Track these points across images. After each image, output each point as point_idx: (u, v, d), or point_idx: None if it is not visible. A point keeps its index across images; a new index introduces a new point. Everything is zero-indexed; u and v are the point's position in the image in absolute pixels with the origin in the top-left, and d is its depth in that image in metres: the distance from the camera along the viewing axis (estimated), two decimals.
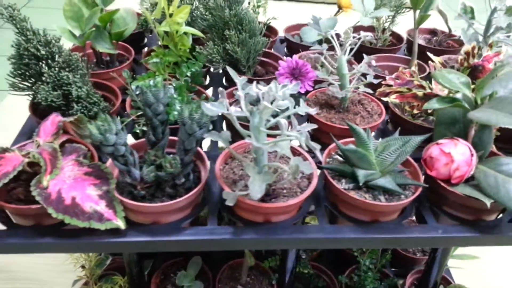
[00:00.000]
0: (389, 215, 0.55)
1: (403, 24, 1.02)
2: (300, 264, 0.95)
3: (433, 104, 0.57)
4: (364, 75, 0.70)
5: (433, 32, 1.02)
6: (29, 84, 0.64)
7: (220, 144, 0.59)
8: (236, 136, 0.55)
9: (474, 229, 0.55)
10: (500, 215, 0.57)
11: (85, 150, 0.57)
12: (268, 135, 0.52)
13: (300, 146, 0.49)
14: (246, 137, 0.52)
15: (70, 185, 0.52)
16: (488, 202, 0.52)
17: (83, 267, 0.88)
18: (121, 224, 0.51)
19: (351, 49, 0.66)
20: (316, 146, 0.47)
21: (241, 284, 0.95)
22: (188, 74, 0.66)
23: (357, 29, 0.95)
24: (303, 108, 0.48)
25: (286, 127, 0.46)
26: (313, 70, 0.65)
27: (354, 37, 0.64)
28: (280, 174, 0.56)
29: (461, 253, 0.93)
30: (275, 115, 0.53)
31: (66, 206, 0.50)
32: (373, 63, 0.67)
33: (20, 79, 0.63)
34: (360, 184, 0.53)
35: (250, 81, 0.71)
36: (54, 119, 0.58)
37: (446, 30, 1.00)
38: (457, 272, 0.99)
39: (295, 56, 0.67)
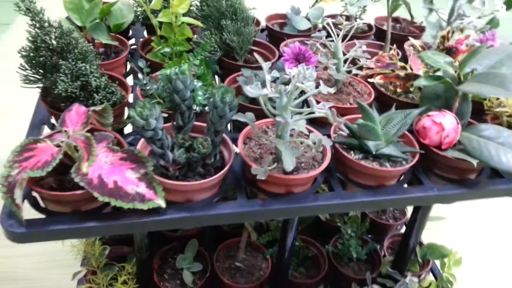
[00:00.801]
0: (392, 179, 0.64)
1: (370, 13, 1.12)
2: None
3: (422, 81, 0.66)
4: (353, 59, 0.77)
5: (396, 20, 1.13)
6: (39, 77, 0.64)
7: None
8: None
9: (463, 186, 0.64)
10: (481, 174, 0.68)
11: (112, 138, 0.60)
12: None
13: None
14: (270, 116, 0.57)
15: (109, 170, 0.54)
16: (475, 162, 0.61)
17: (85, 258, 0.89)
18: (162, 203, 0.54)
19: (345, 36, 0.73)
20: (341, 120, 0.54)
21: (238, 261, 1.00)
22: (196, 62, 0.69)
23: (332, 17, 1.02)
24: (325, 88, 0.54)
25: (315, 104, 0.52)
26: (314, 55, 0.72)
27: (348, 25, 0.71)
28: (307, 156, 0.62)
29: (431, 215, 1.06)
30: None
31: (110, 189, 0.53)
32: (364, 47, 0.75)
33: (32, 71, 0.63)
34: (373, 153, 0.60)
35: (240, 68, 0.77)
36: (78, 109, 0.60)
37: (408, 18, 1.10)
38: (426, 233, 1.12)
39: (297, 43, 0.73)
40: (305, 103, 0.61)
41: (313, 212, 0.61)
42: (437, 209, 1.16)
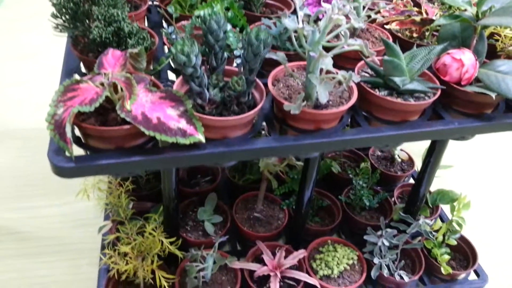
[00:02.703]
0: (415, 115, 0.67)
1: None
2: None
3: (441, 21, 0.68)
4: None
5: None
6: (68, 24, 0.65)
7: None
8: None
9: (481, 120, 0.68)
10: (497, 109, 0.71)
11: (149, 80, 0.61)
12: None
13: None
14: (301, 53, 0.60)
15: (151, 108, 0.57)
16: (493, 95, 0.65)
17: (108, 213, 0.91)
18: (202, 138, 0.57)
19: None
20: (373, 52, 0.56)
21: (257, 212, 1.04)
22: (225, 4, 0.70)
23: None
24: (357, 22, 0.56)
25: (348, 37, 0.55)
26: None
27: None
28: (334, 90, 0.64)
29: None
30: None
31: (154, 124, 0.55)
32: None
33: (63, 19, 0.64)
34: (400, 87, 0.63)
35: (259, 18, 0.78)
36: (114, 53, 0.61)
37: None
38: (435, 181, 1.17)
39: None
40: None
41: (342, 146, 0.64)
42: (444, 158, 1.21)
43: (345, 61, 0.75)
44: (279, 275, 0.89)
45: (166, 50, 0.76)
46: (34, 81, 1.48)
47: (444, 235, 1.01)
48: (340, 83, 0.60)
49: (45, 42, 1.71)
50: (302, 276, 0.90)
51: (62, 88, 0.56)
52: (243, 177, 1.12)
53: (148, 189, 1.08)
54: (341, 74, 0.60)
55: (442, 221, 1.11)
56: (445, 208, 1.11)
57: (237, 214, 1.03)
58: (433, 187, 1.12)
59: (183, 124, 0.57)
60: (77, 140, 0.59)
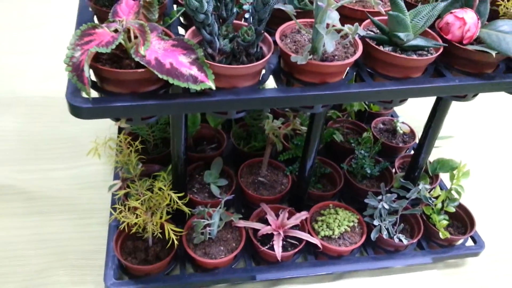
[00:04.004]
0: (418, 71, 0.69)
1: None
2: None
3: None
4: None
5: None
6: None
7: None
8: None
9: (481, 78, 0.70)
10: (497, 69, 0.73)
11: (161, 29, 0.64)
12: None
13: None
14: (309, 4, 0.62)
15: (163, 54, 0.59)
16: (493, 53, 0.67)
17: (118, 172, 0.94)
18: (212, 85, 0.59)
19: None
20: (379, 2, 0.58)
21: (261, 176, 1.07)
22: None
23: None
24: None
25: None
26: None
27: None
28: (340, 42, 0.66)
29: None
30: None
31: (167, 69, 0.57)
32: None
33: None
34: (404, 40, 0.65)
35: None
36: (128, 2, 0.64)
37: None
38: (435, 151, 1.19)
39: None
40: None
41: (346, 99, 0.66)
42: (445, 129, 1.23)
43: (351, 22, 0.77)
44: (282, 234, 0.93)
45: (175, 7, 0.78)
46: (42, 51, 1.50)
47: (443, 203, 1.03)
48: (345, 36, 0.62)
49: (52, 13, 1.73)
50: (304, 236, 0.93)
51: (79, 32, 0.58)
52: (248, 144, 1.15)
53: (156, 154, 1.11)
54: (347, 27, 0.62)
55: (442, 189, 1.13)
56: (445, 178, 1.14)
57: (242, 178, 1.06)
58: (434, 158, 1.15)
59: (194, 71, 0.59)
60: (93, 85, 0.61)
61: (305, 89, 0.64)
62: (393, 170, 1.14)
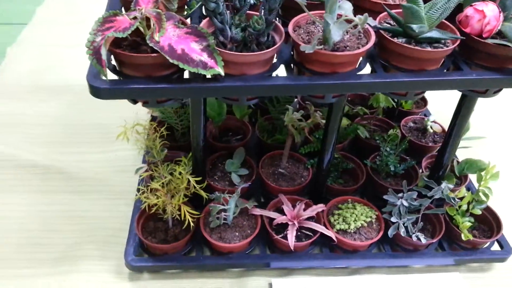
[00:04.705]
0: (433, 64, 0.68)
1: None
2: None
3: None
4: None
5: None
6: None
7: None
8: None
9: (501, 73, 0.68)
10: None
11: (178, 18, 0.67)
12: None
13: None
14: None
15: (176, 41, 0.63)
16: None
17: (145, 156, 0.99)
18: (221, 71, 0.62)
19: None
20: None
21: (281, 168, 1.08)
22: None
23: None
24: None
25: None
26: None
27: None
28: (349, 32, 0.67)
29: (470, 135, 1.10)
30: None
31: (178, 55, 0.61)
32: None
33: None
34: (416, 31, 0.65)
35: None
36: None
37: None
38: (465, 152, 1.15)
39: None
40: None
41: (356, 89, 0.66)
42: (475, 129, 1.19)
43: (373, 15, 0.77)
44: (297, 224, 0.94)
45: None
46: None
47: (468, 204, 1.00)
48: (355, 26, 0.63)
49: (98, 10, 1.84)
50: (319, 228, 0.94)
51: (101, 19, 0.63)
52: (272, 137, 1.17)
53: (182, 142, 1.15)
54: (358, 17, 0.63)
55: (469, 191, 1.09)
56: (474, 179, 1.10)
57: (262, 169, 1.08)
58: (465, 158, 1.11)
59: (205, 57, 0.62)
60: (113, 69, 0.66)
61: (313, 78, 0.65)
62: (420, 170, 1.12)
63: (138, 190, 0.91)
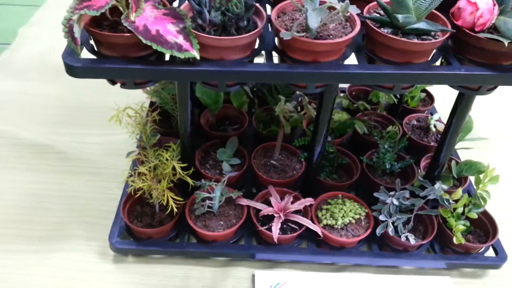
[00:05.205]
0: (420, 57, 0.65)
1: None
2: (326, 145, 1.06)
3: None
4: None
5: None
6: None
7: None
8: None
9: (492, 69, 0.64)
10: None
11: (158, 0, 0.67)
12: None
13: None
14: None
15: (153, 22, 0.62)
16: (506, 42, 0.61)
17: (139, 139, 0.99)
18: (196, 54, 0.61)
19: None
20: None
21: (274, 160, 1.07)
22: None
23: None
24: None
25: None
26: None
27: None
28: (329, 19, 0.65)
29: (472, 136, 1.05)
30: None
31: (152, 35, 0.60)
32: None
33: None
34: (400, 21, 0.62)
35: None
36: None
37: None
38: (467, 153, 1.11)
39: None
40: None
41: (334, 79, 0.64)
42: (478, 130, 1.13)
43: (361, 4, 0.74)
44: (282, 217, 0.92)
45: None
46: None
47: (464, 207, 0.96)
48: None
49: None
50: (305, 222, 0.92)
51: None
52: (268, 128, 1.15)
53: (178, 128, 1.15)
54: (340, 4, 0.60)
55: (470, 194, 1.05)
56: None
57: (255, 160, 1.07)
58: (465, 157, 1.07)
59: (180, 39, 0.61)
60: (92, 49, 0.66)
61: (291, 66, 0.64)
62: (419, 170, 1.08)
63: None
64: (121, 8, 0.64)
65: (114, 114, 0.94)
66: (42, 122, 1.28)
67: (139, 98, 1.28)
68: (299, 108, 1.04)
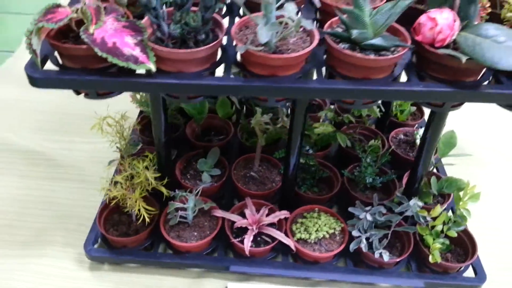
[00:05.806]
0: (379, 73, 0.65)
1: None
2: (307, 157, 1.06)
3: None
4: None
5: None
6: None
7: None
8: None
9: (452, 86, 0.63)
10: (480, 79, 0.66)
11: (122, 12, 0.68)
12: None
13: None
14: None
15: (111, 34, 0.63)
16: (463, 59, 0.60)
17: (118, 148, 1.01)
18: (152, 66, 0.62)
19: None
20: None
21: (254, 171, 1.07)
22: None
23: None
24: None
25: None
26: None
27: None
28: (286, 34, 0.65)
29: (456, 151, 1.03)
30: None
31: (109, 48, 0.61)
32: None
33: None
34: (353, 37, 0.62)
35: None
36: None
37: None
38: (450, 169, 1.09)
39: None
40: None
41: (290, 93, 0.64)
42: (467, 145, 1.10)
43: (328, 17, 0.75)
44: (255, 230, 0.92)
45: None
46: None
47: (444, 225, 0.94)
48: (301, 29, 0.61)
49: None
50: (278, 235, 0.92)
51: (44, 9, 0.65)
52: (252, 139, 1.15)
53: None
54: (295, 19, 0.60)
55: (454, 212, 1.03)
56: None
57: (235, 171, 1.07)
58: (448, 174, 1.05)
59: (137, 52, 0.62)
60: (56, 61, 0.67)
61: (250, 80, 0.64)
62: (401, 186, 1.07)
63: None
64: (84, 18, 0.65)
65: (95, 123, 0.96)
66: (35, 129, 1.31)
67: (131, 107, 1.30)
68: (280, 119, 1.04)
